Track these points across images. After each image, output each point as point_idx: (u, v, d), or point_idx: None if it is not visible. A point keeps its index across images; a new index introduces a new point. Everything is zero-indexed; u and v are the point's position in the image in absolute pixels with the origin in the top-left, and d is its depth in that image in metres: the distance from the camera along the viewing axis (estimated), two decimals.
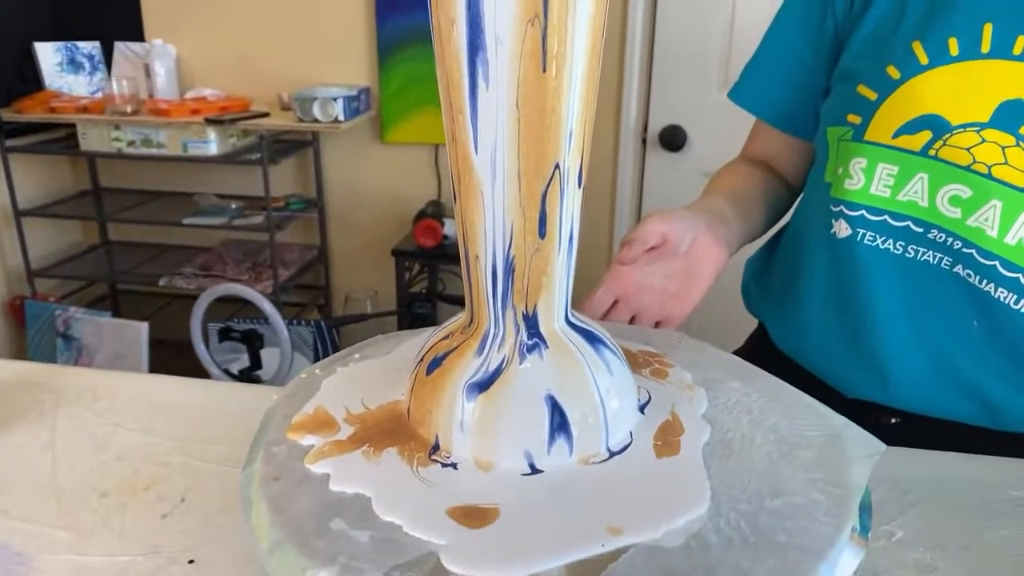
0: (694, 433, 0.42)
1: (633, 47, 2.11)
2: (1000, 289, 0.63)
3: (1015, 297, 0.63)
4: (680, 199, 2.48)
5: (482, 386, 0.40)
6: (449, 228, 2.17)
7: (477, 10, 0.35)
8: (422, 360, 0.44)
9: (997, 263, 0.62)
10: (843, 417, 0.45)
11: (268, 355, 1.99)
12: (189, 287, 2.22)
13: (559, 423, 0.39)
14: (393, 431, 0.44)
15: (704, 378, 0.49)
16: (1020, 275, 0.62)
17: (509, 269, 0.40)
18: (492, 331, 0.42)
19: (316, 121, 2.06)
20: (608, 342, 0.43)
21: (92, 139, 2.17)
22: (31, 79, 2.32)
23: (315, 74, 2.35)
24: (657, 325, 0.70)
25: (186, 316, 1.95)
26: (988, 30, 0.62)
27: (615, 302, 0.70)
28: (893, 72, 0.66)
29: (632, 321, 0.71)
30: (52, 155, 2.42)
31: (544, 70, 0.35)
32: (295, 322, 2.16)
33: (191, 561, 0.47)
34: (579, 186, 0.40)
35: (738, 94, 0.84)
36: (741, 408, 0.45)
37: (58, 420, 0.64)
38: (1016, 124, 0.60)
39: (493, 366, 0.41)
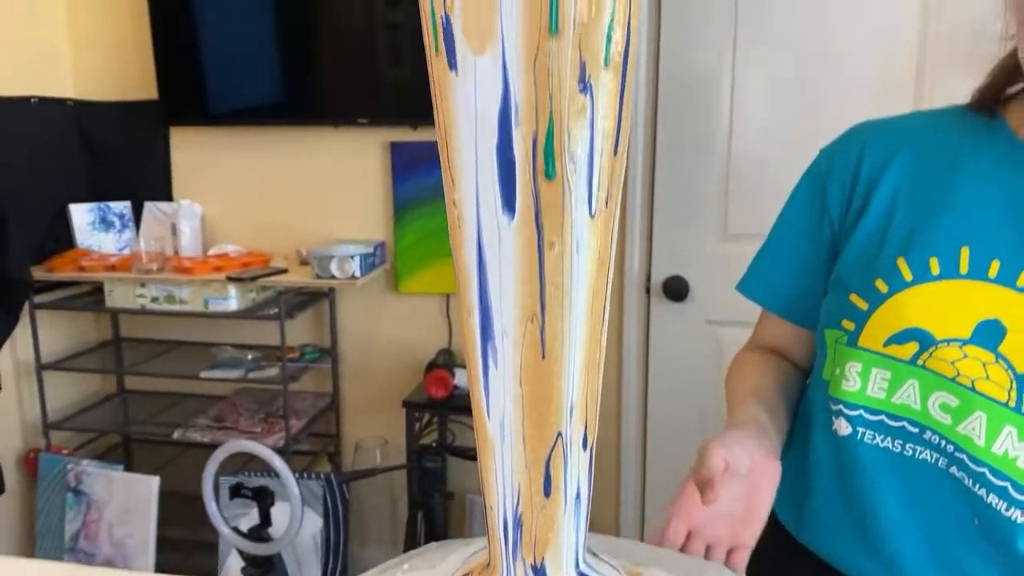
0: None
1: (634, 201, 2.22)
2: (991, 495, 0.65)
3: (1005, 504, 0.64)
4: (686, 348, 2.47)
5: None
6: (460, 378, 2.20)
7: (487, 305, 0.40)
8: None
9: (986, 470, 0.64)
10: None
11: (278, 510, 1.98)
12: (203, 440, 2.24)
13: None
14: None
15: None
16: (1008, 484, 0.64)
17: (518, 523, 0.43)
18: None
19: (333, 277, 2.15)
20: None
21: (117, 296, 2.26)
22: (63, 238, 2.44)
23: (334, 229, 2.47)
24: (731, 552, 0.69)
25: (198, 466, 1.95)
26: (965, 253, 0.66)
27: (688, 534, 0.69)
28: (881, 285, 0.70)
29: (707, 551, 0.69)
30: (78, 311, 2.51)
31: (544, 357, 0.40)
32: (305, 475, 2.16)
33: None
34: (584, 448, 0.43)
35: (747, 287, 0.87)
36: None
37: None
38: (994, 342, 0.63)
39: None
